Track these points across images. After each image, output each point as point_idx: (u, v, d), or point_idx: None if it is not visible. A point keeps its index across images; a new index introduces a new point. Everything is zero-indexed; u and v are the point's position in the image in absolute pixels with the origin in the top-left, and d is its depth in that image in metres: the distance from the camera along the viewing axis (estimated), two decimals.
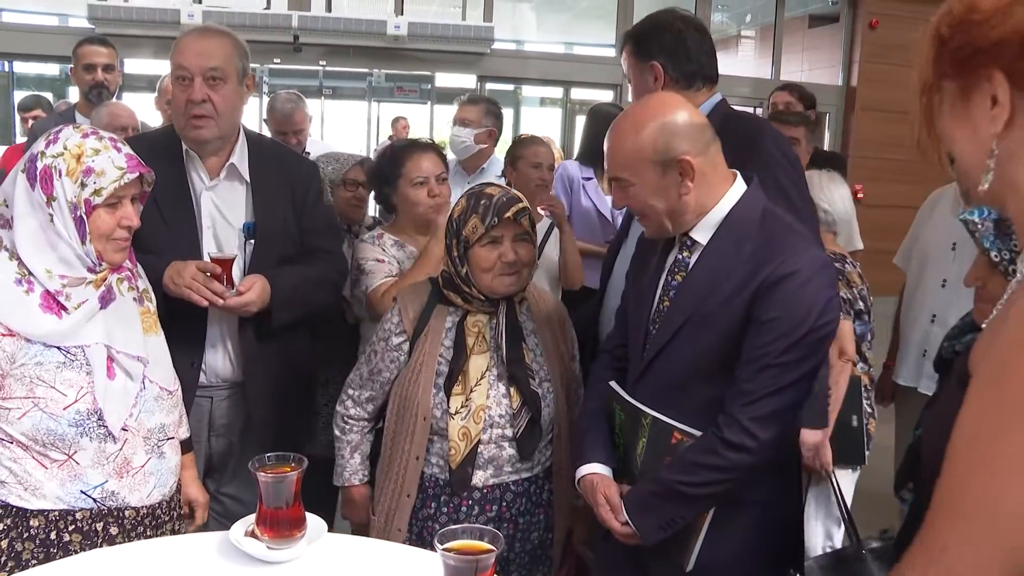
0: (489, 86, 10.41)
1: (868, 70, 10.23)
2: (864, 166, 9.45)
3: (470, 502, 2.06)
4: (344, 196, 3.12)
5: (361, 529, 2.25)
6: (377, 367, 2.15)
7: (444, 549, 1.33)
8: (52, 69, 9.49)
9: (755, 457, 1.68)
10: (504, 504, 2.08)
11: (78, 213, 1.75)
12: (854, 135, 10.33)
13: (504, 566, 2.09)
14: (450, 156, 3.56)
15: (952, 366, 1.76)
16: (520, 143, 3.58)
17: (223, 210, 2.34)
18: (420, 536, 2.08)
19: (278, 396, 2.42)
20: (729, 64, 12.84)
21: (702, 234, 1.79)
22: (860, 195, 8.85)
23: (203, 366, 2.33)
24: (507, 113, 11.72)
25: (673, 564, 1.81)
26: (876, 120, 9.86)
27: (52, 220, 1.74)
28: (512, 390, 2.06)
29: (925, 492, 1.25)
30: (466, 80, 10.17)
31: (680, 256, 1.83)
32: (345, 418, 2.21)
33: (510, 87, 11.28)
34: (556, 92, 11.02)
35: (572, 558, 2.27)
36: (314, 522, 1.69)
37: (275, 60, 9.35)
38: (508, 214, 2.02)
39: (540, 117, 11.68)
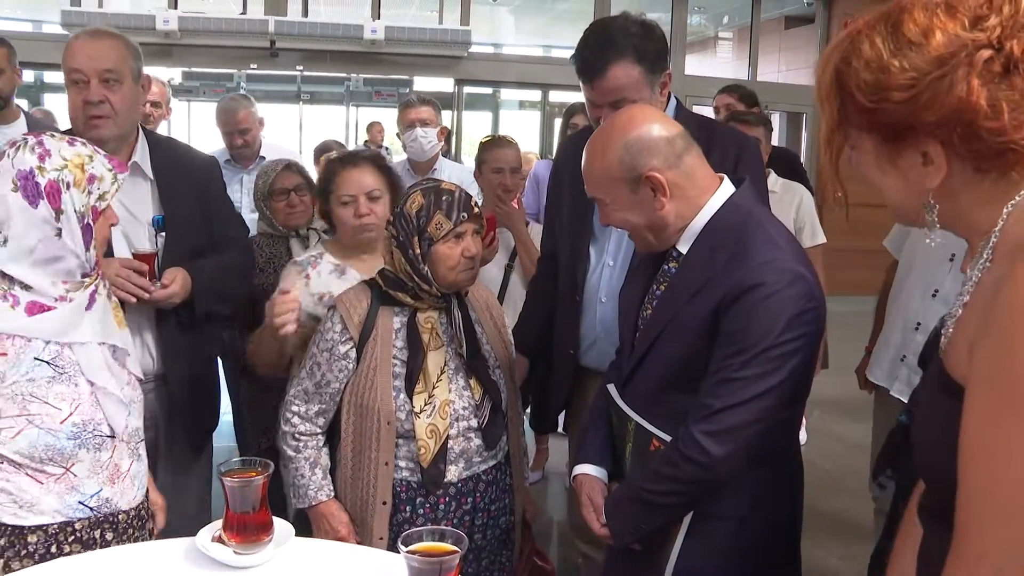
0: (467, 89, 10.43)
1: None
2: (841, 166, 9.47)
3: (447, 499, 2.06)
4: (277, 207, 3.05)
5: None
6: (325, 379, 2.08)
7: (408, 551, 1.33)
8: (26, 76, 9.41)
9: (709, 472, 1.65)
10: (478, 495, 2.10)
11: (85, 221, 1.75)
12: None
13: (476, 554, 2.11)
14: (398, 158, 3.58)
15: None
16: (484, 147, 3.54)
17: (129, 207, 2.37)
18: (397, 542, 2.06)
19: (202, 386, 2.52)
20: (706, 66, 12.94)
21: (684, 244, 1.78)
22: (839, 194, 8.89)
23: None
24: (486, 116, 11.81)
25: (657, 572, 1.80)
26: None
27: (60, 234, 1.71)
28: (472, 381, 2.08)
29: (910, 480, 1.28)
30: (444, 84, 10.17)
31: (666, 267, 1.82)
32: (295, 435, 2.11)
33: (488, 90, 11.29)
34: (535, 95, 11.05)
35: (530, 538, 2.30)
36: (281, 526, 1.69)
37: (252, 66, 9.32)
38: (476, 209, 2.04)
39: (519, 120, 11.71)
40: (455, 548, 1.33)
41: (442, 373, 2.05)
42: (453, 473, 2.06)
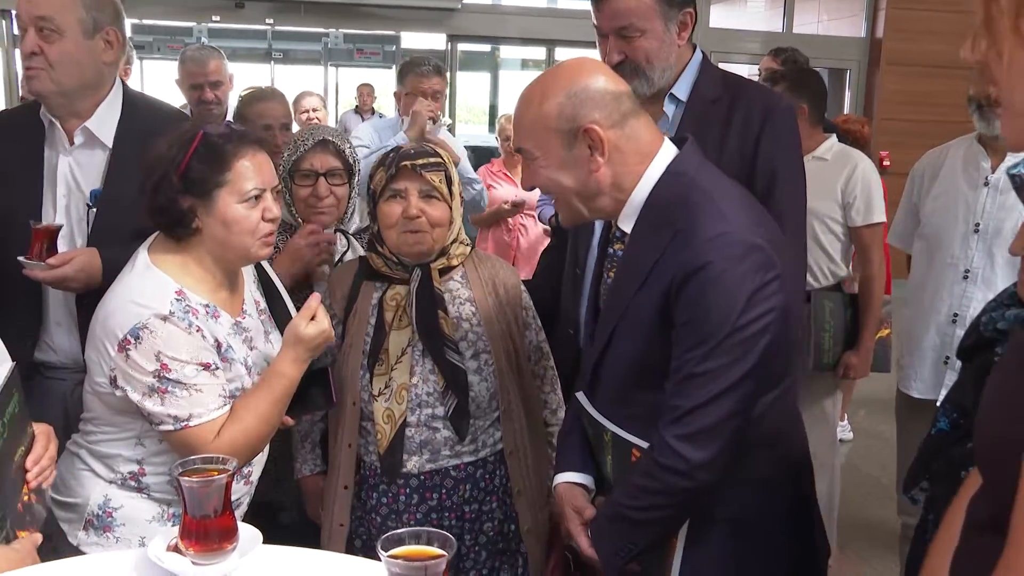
0: (462, 47, 10.40)
1: (896, 18, 10.16)
2: (890, 129, 9.43)
3: (407, 490, 2.18)
4: (299, 193, 2.58)
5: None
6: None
7: (389, 556, 1.33)
8: None
9: (691, 480, 1.66)
10: (444, 492, 2.17)
11: None
12: (879, 94, 10.32)
13: (456, 562, 2.14)
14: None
15: (990, 347, 1.75)
16: (244, 102, 3.48)
17: (78, 178, 2.40)
18: (367, 530, 2.19)
19: None
20: (734, 17, 12.86)
21: (627, 222, 1.78)
22: (886, 163, 8.85)
23: (50, 344, 2.41)
24: (483, 77, 11.78)
25: None
26: (905, 76, 9.85)
27: None
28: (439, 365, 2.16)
29: (947, 493, 1.25)
30: (435, 40, 10.16)
31: (612, 250, 1.84)
32: None
33: (486, 48, 11.27)
34: (538, 52, 11.00)
35: (558, 553, 2.25)
36: (247, 532, 1.69)
37: (214, 18, 9.30)
38: (406, 162, 2.11)
39: (521, 81, 11.63)
40: (441, 552, 1.34)
41: (403, 354, 2.15)
42: (415, 464, 2.15)
